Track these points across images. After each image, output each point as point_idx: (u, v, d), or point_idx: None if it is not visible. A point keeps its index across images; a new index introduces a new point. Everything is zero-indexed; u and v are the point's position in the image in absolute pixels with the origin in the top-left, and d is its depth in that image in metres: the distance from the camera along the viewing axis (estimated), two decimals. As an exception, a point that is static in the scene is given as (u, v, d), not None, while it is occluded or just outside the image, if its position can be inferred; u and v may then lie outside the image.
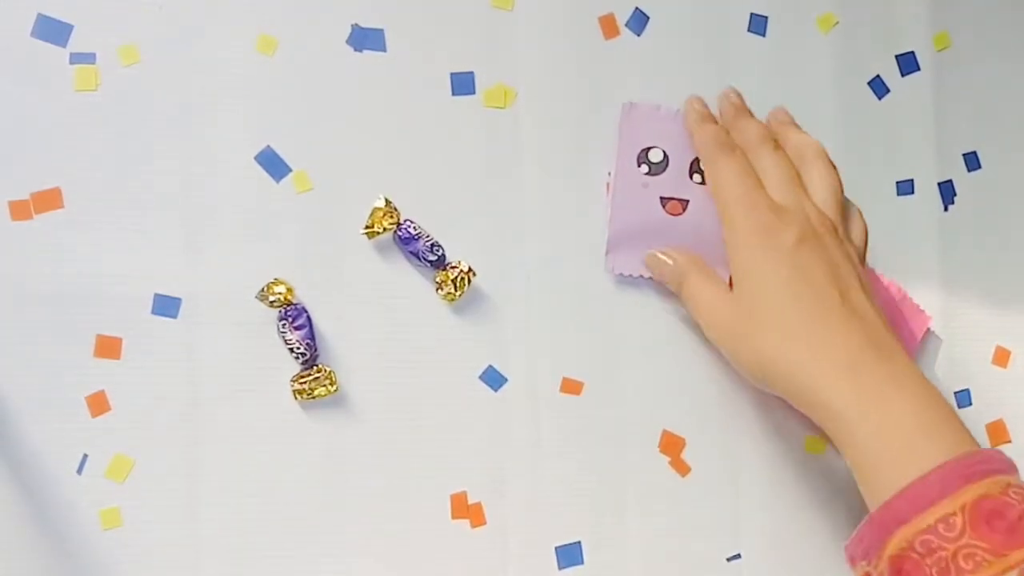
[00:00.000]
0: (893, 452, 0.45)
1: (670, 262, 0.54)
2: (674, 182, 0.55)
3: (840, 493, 0.56)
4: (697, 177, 0.55)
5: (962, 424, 0.46)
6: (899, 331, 0.57)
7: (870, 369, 0.47)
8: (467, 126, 0.54)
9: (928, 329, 0.58)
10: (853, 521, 0.53)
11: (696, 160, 0.55)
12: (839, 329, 0.48)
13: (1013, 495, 0.42)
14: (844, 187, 0.54)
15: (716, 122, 0.54)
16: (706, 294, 0.52)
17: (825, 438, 0.49)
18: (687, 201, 0.55)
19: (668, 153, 0.55)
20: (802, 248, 0.49)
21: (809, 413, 0.49)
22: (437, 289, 0.53)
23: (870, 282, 0.52)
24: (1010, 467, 0.45)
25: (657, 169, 0.55)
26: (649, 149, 0.55)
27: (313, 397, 0.51)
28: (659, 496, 0.55)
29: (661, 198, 0.55)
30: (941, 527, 0.42)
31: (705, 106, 0.55)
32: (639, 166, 0.55)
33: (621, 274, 0.55)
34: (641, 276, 0.55)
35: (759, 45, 0.58)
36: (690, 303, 0.53)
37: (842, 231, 0.52)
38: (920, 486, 0.43)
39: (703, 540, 0.55)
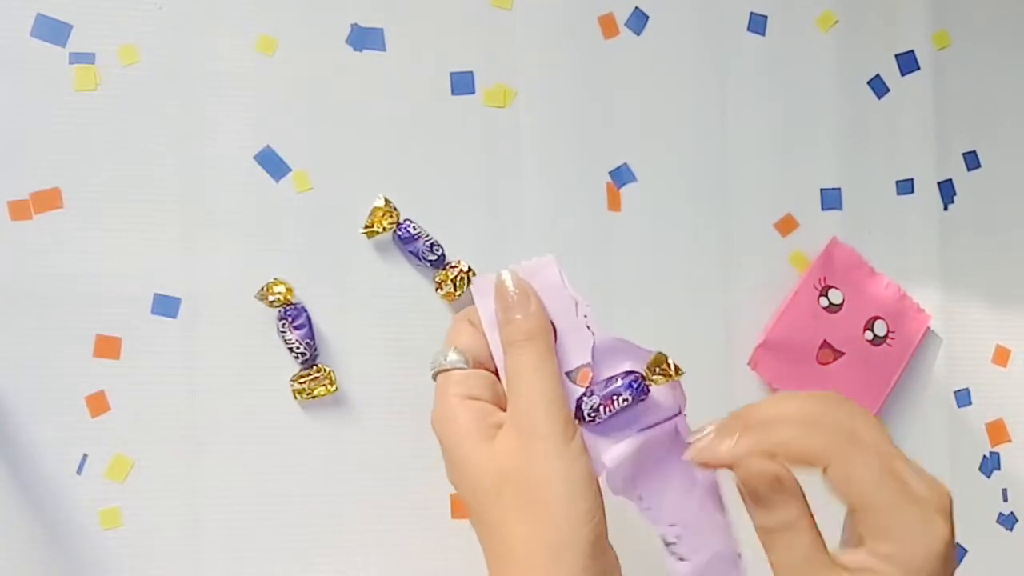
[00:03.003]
0: None
1: (781, 496, 0.39)
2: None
3: (840, 493, 0.56)
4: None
5: None
6: (899, 331, 0.57)
7: None
8: (467, 126, 0.54)
9: (928, 328, 0.58)
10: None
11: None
12: None
13: None
14: (844, 186, 0.54)
15: None
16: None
17: None
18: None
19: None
20: None
21: None
22: (437, 289, 0.53)
23: None
24: None
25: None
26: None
27: (313, 397, 0.51)
28: (659, 496, 0.55)
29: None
30: None
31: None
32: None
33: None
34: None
35: (759, 44, 0.58)
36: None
37: None
38: None
39: (703, 540, 0.55)
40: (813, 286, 0.57)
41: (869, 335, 0.57)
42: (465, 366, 0.43)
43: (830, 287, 0.57)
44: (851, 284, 0.57)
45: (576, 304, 0.44)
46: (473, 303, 0.45)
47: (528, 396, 0.41)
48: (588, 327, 0.43)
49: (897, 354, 0.57)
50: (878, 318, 0.57)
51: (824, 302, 0.57)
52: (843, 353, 0.57)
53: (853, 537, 0.39)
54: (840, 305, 0.57)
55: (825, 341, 0.56)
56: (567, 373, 0.43)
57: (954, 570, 0.38)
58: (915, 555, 0.37)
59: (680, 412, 0.44)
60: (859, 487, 0.37)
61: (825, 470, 0.38)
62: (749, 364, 0.56)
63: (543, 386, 0.41)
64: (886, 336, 0.57)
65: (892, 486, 0.37)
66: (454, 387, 0.43)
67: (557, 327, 0.43)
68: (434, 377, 0.44)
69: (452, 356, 0.43)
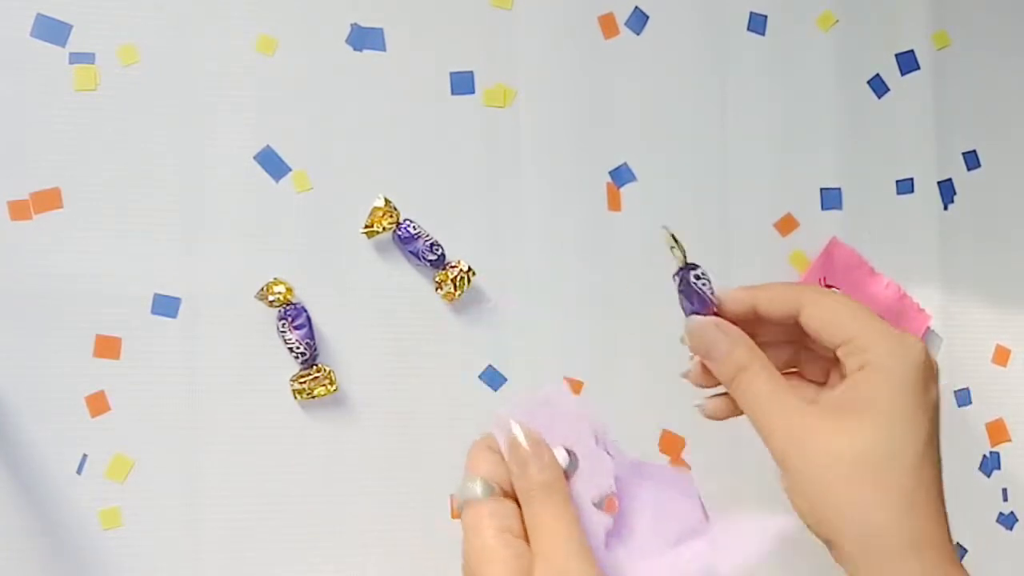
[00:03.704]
0: None
1: (726, 342, 0.43)
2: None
3: (840, 492, 0.57)
4: None
5: None
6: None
7: None
8: (467, 126, 0.54)
9: (928, 328, 0.58)
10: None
11: None
12: None
13: None
14: (844, 186, 0.54)
15: None
16: (785, 396, 0.43)
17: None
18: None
19: None
20: None
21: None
22: (437, 288, 0.53)
23: None
24: None
25: None
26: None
27: (313, 397, 0.51)
28: (659, 496, 0.55)
29: None
30: None
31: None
32: None
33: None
34: None
35: (759, 44, 0.58)
36: (750, 400, 0.44)
37: None
38: None
39: (703, 540, 0.55)
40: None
41: None
42: (492, 495, 0.43)
43: (830, 287, 0.57)
44: (851, 284, 0.57)
45: (594, 432, 0.43)
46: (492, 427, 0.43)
47: (552, 545, 0.41)
48: (607, 451, 0.43)
49: None
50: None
51: None
52: None
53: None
54: None
55: None
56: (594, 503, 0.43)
57: (936, 397, 0.41)
58: (893, 365, 0.40)
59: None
60: (833, 320, 0.41)
61: (800, 317, 0.42)
62: None
63: (567, 533, 0.41)
64: None
65: (865, 316, 0.41)
66: (488, 519, 0.41)
67: (577, 454, 0.43)
68: (460, 508, 0.43)
69: (480, 486, 0.43)
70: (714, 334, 0.43)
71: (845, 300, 0.42)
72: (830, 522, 0.41)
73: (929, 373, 0.41)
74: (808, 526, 0.42)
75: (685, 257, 0.43)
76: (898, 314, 0.57)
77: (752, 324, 0.43)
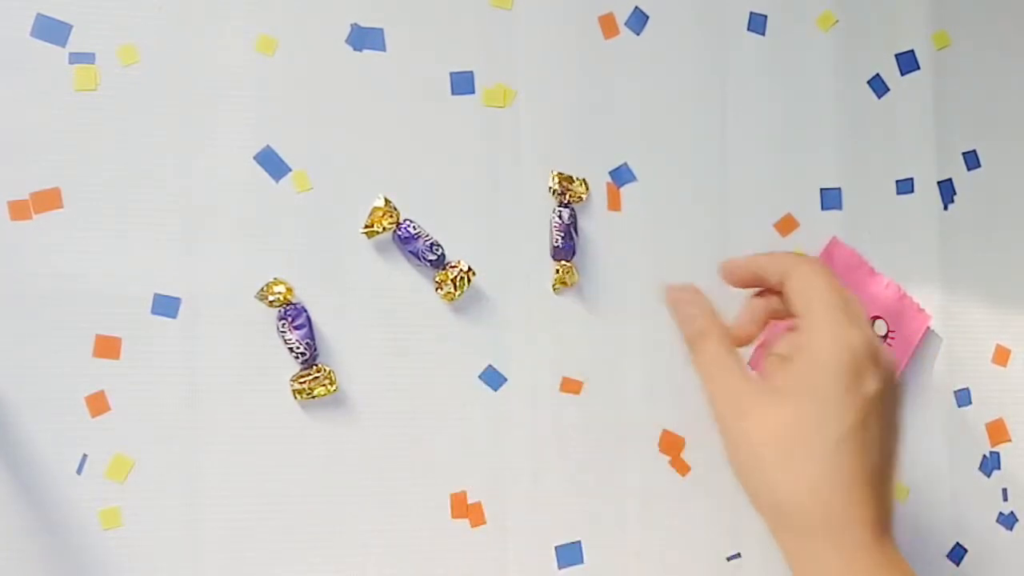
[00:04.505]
0: None
1: (692, 310, 0.47)
2: None
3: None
4: None
5: None
6: (899, 331, 0.57)
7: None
8: (467, 126, 0.54)
9: (928, 328, 0.58)
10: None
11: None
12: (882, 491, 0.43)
13: None
14: (844, 186, 0.54)
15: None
16: (731, 372, 0.45)
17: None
18: None
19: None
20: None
21: (787, 544, 0.44)
22: (437, 289, 0.53)
23: None
24: None
25: None
26: None
27: (313, 397, 0.51)
28: (659, 496, 0.55)
29: None
30: None
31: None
32: None
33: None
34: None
35: (759, 44, 0.58)
36: (702, 368, 0.46)
37: None
38: None
39: (703, 540, 0.55)
40: None
41: None
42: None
43: None
44: (851, 284, 0.57)
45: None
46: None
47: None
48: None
49: (897, 353, 0.57)
50: (878, 318, 0.57)
51: None
52: None
53: None
54: None
55: None
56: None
57: (875, 389, 0.42)
58: (827, 353, 0.42)
59: None
60: (802, 294, 0.44)
61: (785, 286, 0.45)
62: (750, 364, 0.56)
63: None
64: (886, 336, 0.57)
65: (826, 299, 0.43)
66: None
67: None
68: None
69: None
70: (683, 297, 0.47)
71: (823, 279, 0.44)
72: (755, 495, 0.43)
73: (866, 365, 0.42)
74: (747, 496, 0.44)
75: None
76: (898, 314, 0.57)
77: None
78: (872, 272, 0.57)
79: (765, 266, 0.47)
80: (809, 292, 0.44)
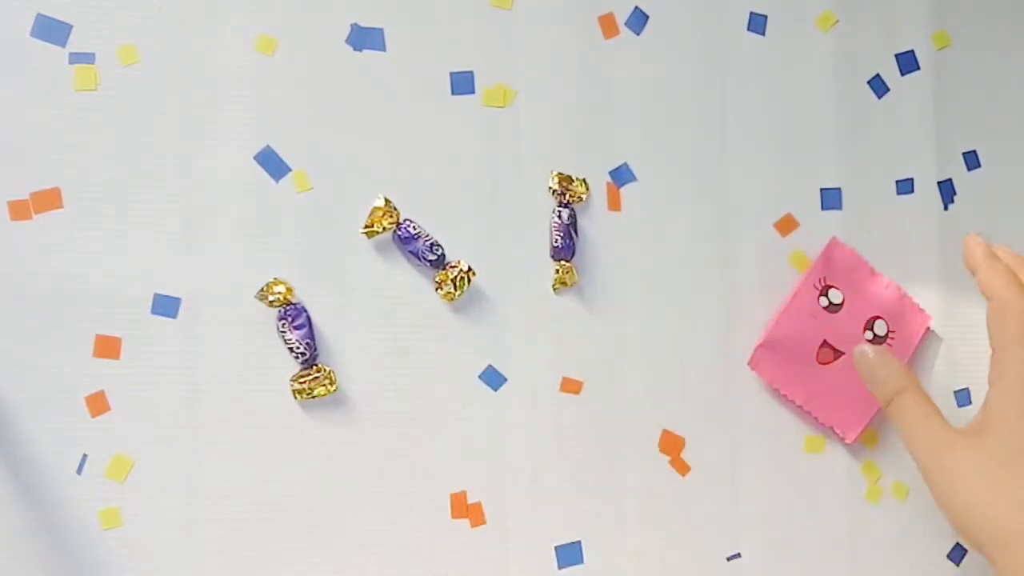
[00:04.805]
0: None
1: (885, 371, 0.51)
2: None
3: (840, 493, 0.57)
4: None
5: None
6: (899, 331, 0.57)
7: None
8: (467, 126, 0.54)
9: (928, 329, 0.58)
10: (852, 520, 0.53)
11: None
12: None
13: None
14: (844, 186, 0.54)
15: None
16: (932, 418, 0.48)
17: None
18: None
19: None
20: None
21: None
22: (437, 289, 0.53)
23: None
24: None
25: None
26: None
27: (313, 397, 0.51)
28: (659, 496, 0.55)
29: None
30: None
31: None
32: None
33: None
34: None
35: (759, 44, 0.58)
36: (903, 421, 0.49)
37: None
38: None
39: (703, 540, 0.55)
40: (813, 286, 0.56)
41: (869, 335, 0.57)
42: None
43: (830, 287, 0.57)
44: (851, 285, 0.57)
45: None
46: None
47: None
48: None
49: (898, 354, 0.57)
50: (878, 318, 0.57)
51: (824, 302, 0.57)
52: (843, 353, 0.56)
53: None
54: (840, 305, 0.57)
55: (825, 341, 0.56)
56: None
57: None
58: (1013, 380, 0.46)
59: None
60: (1002, 323, 0.47)
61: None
62: (749, 364, 0.56)
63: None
64: (886, 336, 0.57)
65: (1009, 332, 0.47)
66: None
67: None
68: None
69: None
70: (877, 360, 0.51)
71: (1016, 308, 0.47)
72: (967, 527, 0.45)
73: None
74: (963, 541, 0.46)
75: None
76: (898, 314, 0.57)
77: None
78: (872, 272, 0.57)
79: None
80: (1001, 323, 0.47)
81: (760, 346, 0.56)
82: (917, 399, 0.49)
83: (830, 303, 0.57)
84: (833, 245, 0.57)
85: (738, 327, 0.56)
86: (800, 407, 0.56)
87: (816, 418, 0.56)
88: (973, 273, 0.50)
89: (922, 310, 0.58)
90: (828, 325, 0.56)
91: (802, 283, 0.56)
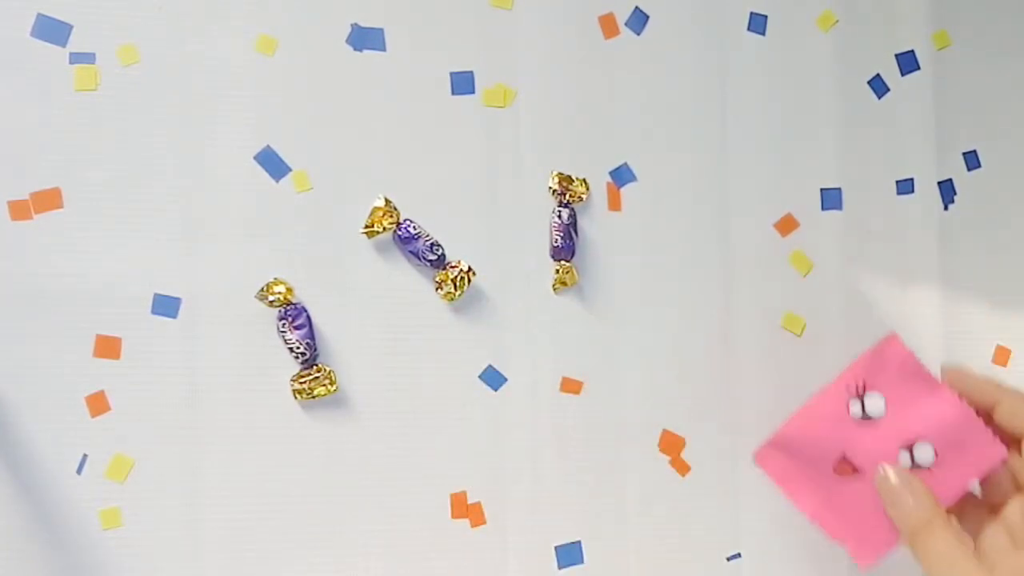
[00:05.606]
0: None
1: (911, 500, 0.46)
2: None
3: (840, 492, 0.57)
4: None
5: None
6: (952, 461, 0.48)
7: None
8: (467, 126, 0.54)
9: (1004, 461, 0.48)
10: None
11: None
12: None
13: None
14: (844, 186, 0.54)
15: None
16: (960, 563, 0.44)
17: None
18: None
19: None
20: None
21: None
22: (437, 289, 0.53)
23: None
24: None
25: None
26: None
27: (313, 397, 0.51)
28: (659, 496, 0.55)
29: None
30: None
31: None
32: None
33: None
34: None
35: (759, 44, 0.58)
36: (927, 560, 0.45)
37: None
38: None
39: (703, 540, 0.55)
40: (846, 388, 0.49)
41: (905, 458, 0.48)
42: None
43: (870, 392, 0.49)
44: (899, 394, 0.48)
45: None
46: None
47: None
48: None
49: (945, 487, 0.47)
50: (924, 440, 0.48)
51: (856, 409, 0.48)
52: (865, 471, 0.48)
53: None
54: (878, 417, 0.48)
55: (844, 455, 0.48)
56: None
57: None
58: None
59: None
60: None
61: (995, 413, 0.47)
62: (755, 459, 0.50)
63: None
64: (932, 464, 0.48)
65: None
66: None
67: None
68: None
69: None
70: (902, 488, 0.47)
71: None
72: None
73: None
74: None
75: None
76: (957, 443, 0.47)
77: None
78: (934, 385, 0.48)
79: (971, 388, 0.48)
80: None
81: (769, 444, 0.50)
82: (945, 537, 0.44)
83: (863, 413, 0.48)
84: (889, 343, 0.49)
85: (738, 327, 0.56)
86: (807, 517, 0.49)
87: (826, 530, 0.48)
88: (992, 408, 0.48)
89: (997, 441, 0.47)
90: (853, 438, 0.48)
91: (835, 382, 0.49)
